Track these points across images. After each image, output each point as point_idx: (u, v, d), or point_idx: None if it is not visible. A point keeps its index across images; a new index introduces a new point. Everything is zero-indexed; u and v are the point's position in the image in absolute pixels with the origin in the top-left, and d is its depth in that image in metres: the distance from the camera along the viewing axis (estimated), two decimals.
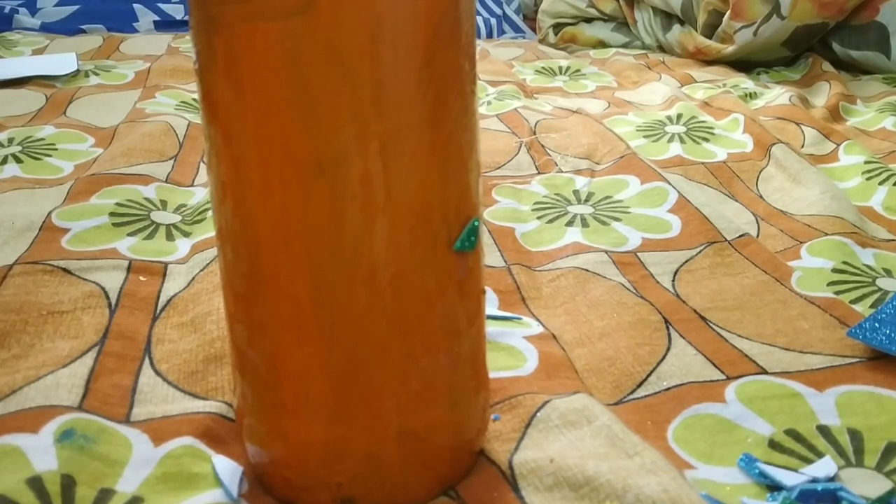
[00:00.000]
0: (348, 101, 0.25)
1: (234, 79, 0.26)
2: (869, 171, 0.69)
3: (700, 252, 0.54)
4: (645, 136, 0.80)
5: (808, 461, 0.34)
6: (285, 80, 0.25)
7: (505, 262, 0.54)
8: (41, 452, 0.32)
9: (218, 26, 0.26)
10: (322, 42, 0.25)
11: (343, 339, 0.28)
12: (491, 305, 0.48)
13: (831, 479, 0.33)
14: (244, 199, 0.27)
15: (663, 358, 0.42)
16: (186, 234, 0.57)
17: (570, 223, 0.60)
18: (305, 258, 0.27)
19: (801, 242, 0.56)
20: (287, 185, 0.26)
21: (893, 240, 0.58)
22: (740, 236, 0.55)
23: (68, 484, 0.31)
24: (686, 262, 0.53)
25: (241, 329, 0.30)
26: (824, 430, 0.36)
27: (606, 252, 0.54)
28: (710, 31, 1.22)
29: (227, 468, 0.32)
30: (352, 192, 0.26)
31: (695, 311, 0.47)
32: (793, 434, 0.36)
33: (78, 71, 1.00)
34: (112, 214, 0.57)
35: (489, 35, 1.58)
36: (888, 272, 0.51)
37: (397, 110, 0.26)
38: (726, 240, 0.55)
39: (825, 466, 0.34)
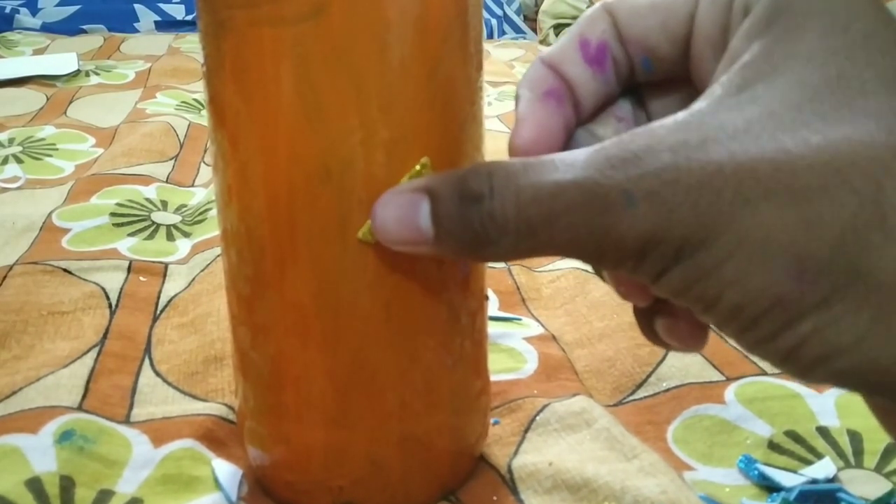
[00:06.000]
0: (356, 106, 0.25)
1: (243, 83, 0.26)
2: None
3: None
4: None
5: (808, 462, 0.34)
6: (294, 85, 0.25)
7: (505, 262, 0.54)
8: (41, 453, 0.32)
9: (227, 31, 0.26)
10: (331, 48, 0.25)
11: (346, 343, 0.28)
12: (491, 306, 0.48)
13: (831, 481, 0.33)
14: (250, 202, 0.27)
15: (663, 359, 0.42)
16: (187, 235, 0.57)
17: None
18: (310, 262, 0.27)
19: None
20: (294, 190, 0.26)
21: None
22: None
23: (67, 485, 0.31)
24: None
25: (244, 331, 0.30)
26: (824, 432, 0.36)
27: None
28: None
29: (227, 472, 0.32)
30: (358, 198, 0.26)
31: None
32: (792, 435, 0.36)
33: (78, 71, 1.00)
34: (112, 215, 0.57)
35: (490, 35, 1.58)
36: None
37: (404, 117, 0.26)
38: None
39: (824, 468, 0.34)
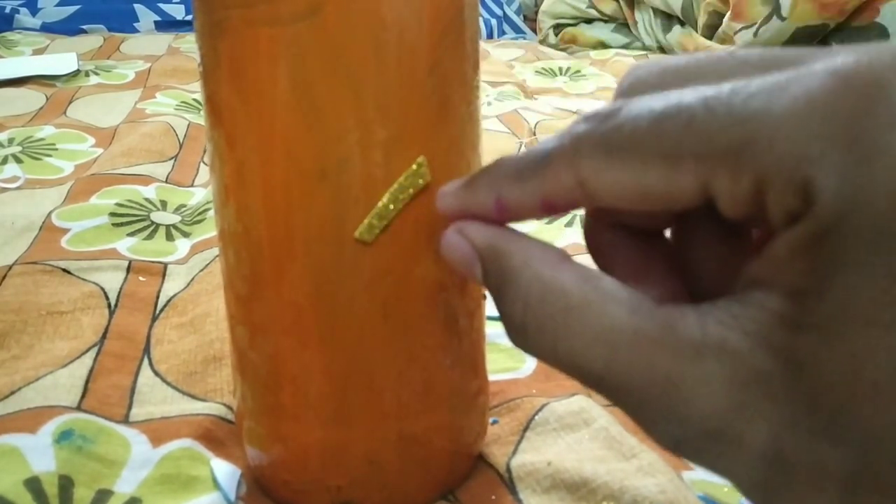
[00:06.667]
0: (352, 106, 0.25)
1: (239, 83, 0.26)
2: None
3: None
4: None
5: None
6: (290, 85, 0.25)
7: None
8: (39, 453, 0.32)
9: (223, 30, 0.26)
10: (327, 48, 0.25)
11: (344, 343, 0.28)
12: (490, 306, 0.48)
13: None
14: (247, 202, 0.27)
15: None
16: (186, 235, 0.57)
17: (568, 224, 0.60)
18: (307, 262, 0.27)
19: None
20: (290, 190, 0.26)
21: None
22: None
23: (66, 485, 0.31)
24: None
25: (242, 331, 0.30)
26: None
27: None
28: (711, 32, 1.22)
29: (225, 471, 0.32)
30: (354, 198, 0.26)
31: None
32: None
33: (78, 71, 1.00)
34: (112, 214, 0.57)
35: (489, 35, 1.58)
36: None
37: (401, 116, 0.26)
38: None
39: None
